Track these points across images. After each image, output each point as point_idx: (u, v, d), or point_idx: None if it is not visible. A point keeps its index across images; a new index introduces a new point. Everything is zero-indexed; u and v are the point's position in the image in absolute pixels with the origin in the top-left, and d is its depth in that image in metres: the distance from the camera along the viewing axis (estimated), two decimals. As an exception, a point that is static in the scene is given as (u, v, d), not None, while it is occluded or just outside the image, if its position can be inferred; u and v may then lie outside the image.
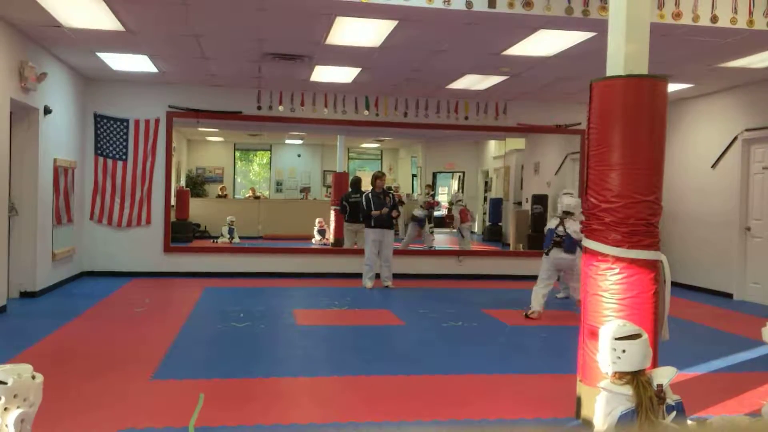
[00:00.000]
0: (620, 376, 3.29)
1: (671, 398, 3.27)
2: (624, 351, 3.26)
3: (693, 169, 10.73)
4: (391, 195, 10.32)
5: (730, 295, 9.89)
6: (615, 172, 3.98)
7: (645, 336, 3.34)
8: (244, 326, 7.01)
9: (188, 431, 3.93)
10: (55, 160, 8.88)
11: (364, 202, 10.12)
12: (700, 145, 10.68)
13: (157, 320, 7.34)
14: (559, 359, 5.86)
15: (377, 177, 10.29)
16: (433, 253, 12.31)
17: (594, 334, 3.96)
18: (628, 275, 3.91)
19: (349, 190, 12.08)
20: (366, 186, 11.14)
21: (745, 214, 9.81)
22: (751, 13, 6.52)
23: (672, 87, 9.50)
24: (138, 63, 9.12)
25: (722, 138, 10.18)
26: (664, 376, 3.28)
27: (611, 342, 3.30)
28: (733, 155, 9.99)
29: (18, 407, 2.28)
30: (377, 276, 10.08)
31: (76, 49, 8.41)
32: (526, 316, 7.81)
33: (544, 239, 8.11)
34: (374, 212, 9.93)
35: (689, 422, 3.31)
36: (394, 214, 10.14)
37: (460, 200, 14.51)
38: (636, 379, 3.23)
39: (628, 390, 3.23)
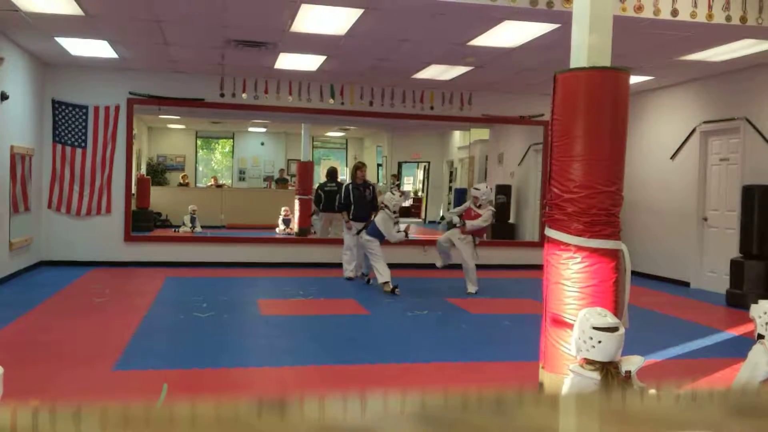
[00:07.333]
0: (590, 362, 3.33)
1: (637, 385, 3.35)
2: (600, 342, 3.27)
3: (653, 161, 10.93)
4: (371, 187, 9.87)
5: (687, 284, 10.12)
6: (577, 162, 4.03)
7: (622, 330, 3.34)
8: (207, 316, 6.95)
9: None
10: (11, 147, 8.66)
11: (343, 194, 9.69)
12: (660, 137, 10.87)
13: (118, 310, 7.23)
14: (522, 347, 5.93)
15: (358, 168, 9.86)
16: (398, 243, 12.29)
17: (557, 322, 4.03)
18: (590, 264, 3.97)
19: (325, 179, 11.94)
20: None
21: (703, 204, 10.02)
22: (710, 7, 6.65)
23: (633, 79, 9.62)
24: (98, 48, 8.92)
25: (681, 130, 10.38)
26: (632, 363, 3.35)
27: (589, 330, 3.30)
28: (691, 147, 10.19)
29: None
30: (361, 269, 9.72)
31: (34, 33, 8.18)
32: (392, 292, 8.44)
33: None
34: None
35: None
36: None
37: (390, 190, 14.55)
38: (606, 368, 3.27)
39: (596, 375, 3.28)
